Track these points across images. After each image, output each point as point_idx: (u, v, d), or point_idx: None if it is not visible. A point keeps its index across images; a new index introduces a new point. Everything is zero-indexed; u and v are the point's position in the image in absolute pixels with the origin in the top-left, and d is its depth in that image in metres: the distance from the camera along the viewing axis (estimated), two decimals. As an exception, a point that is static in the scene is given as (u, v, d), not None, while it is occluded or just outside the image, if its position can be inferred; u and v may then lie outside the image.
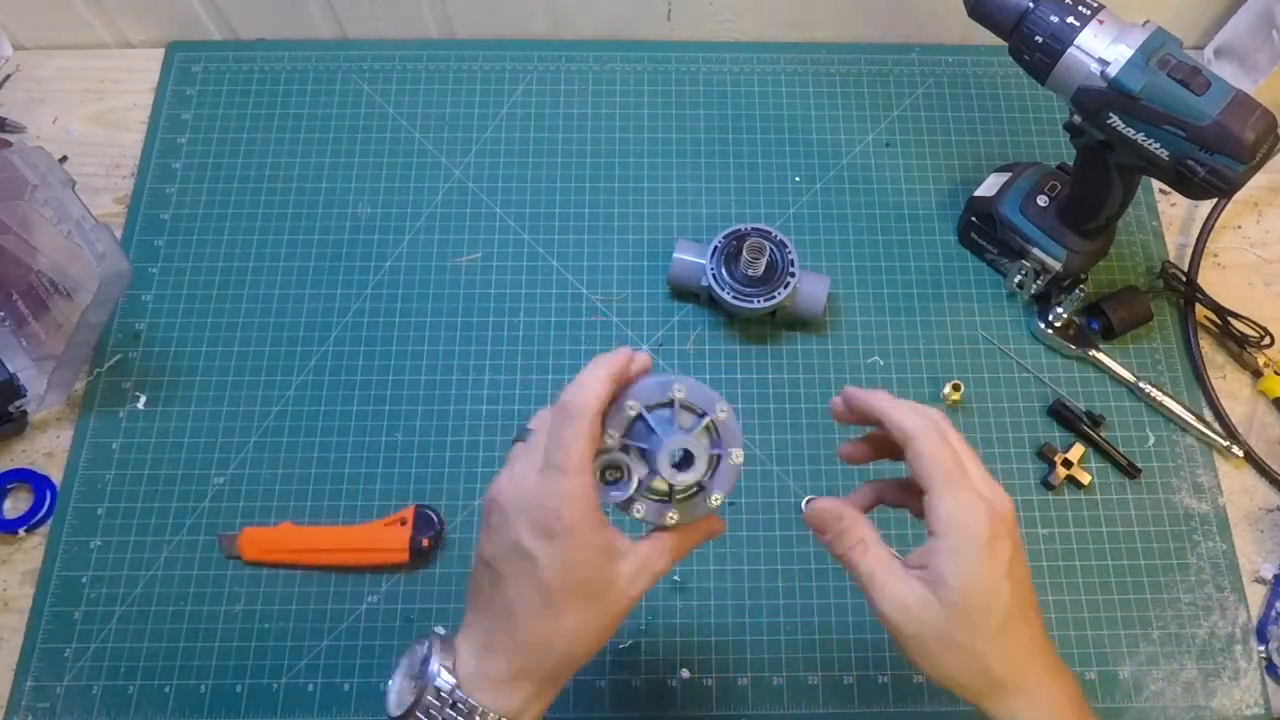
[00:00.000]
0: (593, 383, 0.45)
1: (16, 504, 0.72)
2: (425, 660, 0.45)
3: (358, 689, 0.67)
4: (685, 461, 0.46)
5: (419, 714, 0.43)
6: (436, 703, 0.43)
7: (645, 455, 0.46)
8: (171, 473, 0.72)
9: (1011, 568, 0.44)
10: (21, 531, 0.70)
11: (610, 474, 0.47)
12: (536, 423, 0.47)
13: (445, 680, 0.44)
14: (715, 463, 0.47)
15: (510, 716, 0.44)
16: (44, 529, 0.71)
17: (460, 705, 0.43)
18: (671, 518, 0.47)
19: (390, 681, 0.46)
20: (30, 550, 0.71)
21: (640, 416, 0.46)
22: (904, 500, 0.51)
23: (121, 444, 0.73)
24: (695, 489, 0.47)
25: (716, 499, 0.47)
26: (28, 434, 0.74)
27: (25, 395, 0.72)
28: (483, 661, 0.44)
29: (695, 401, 0.47)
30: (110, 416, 0.74)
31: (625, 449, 0.47)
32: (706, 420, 0.47)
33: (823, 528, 0.49)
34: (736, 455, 0.47)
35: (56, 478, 0.72)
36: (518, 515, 0.44)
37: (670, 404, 0.46)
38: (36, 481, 0.71)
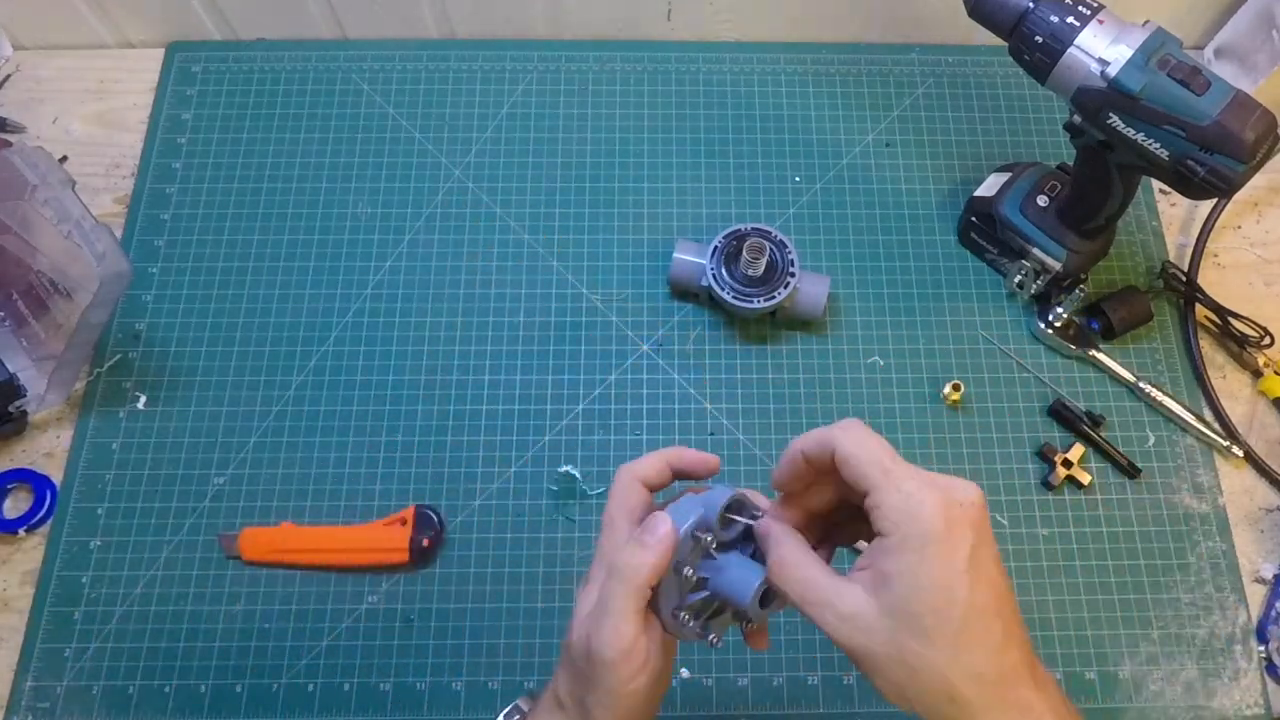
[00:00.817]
0: (647, 553, 0.43)
1: (16, 504, 0.72)
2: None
3: (358, 689, 0.67)
4: (768, 597, 0.44)
5: None
6: None
7: (707, 585, 0.46)
8: (171, 473, 0.72)
9: (974, 562, 0.37)
10: (21, 531, 0.70)
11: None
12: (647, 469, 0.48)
13: None
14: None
15: None
16: (44, 529, 0.71)
17: None
18: (713, 639, 0.47)
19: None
20: (30, 550, 0.71)
21: (697, 539, 0.45)
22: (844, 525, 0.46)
23: (121, 444, 0.73)
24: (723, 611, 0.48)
25: (757, 628, 0.48)
26: (28, 434, 0.74)
27: (25, 395, 0.72)
28: None
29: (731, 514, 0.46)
30: (110, 416, 0.74)
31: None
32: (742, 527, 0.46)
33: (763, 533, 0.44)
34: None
35: (56, 478, 0.72)
36: (587, 640, 0.44)
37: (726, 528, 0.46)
38: (36, 481, 0.71)
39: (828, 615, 0.39)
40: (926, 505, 0.38)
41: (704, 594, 0.45)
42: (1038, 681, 0.39)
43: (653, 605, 0.44)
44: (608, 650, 0.42)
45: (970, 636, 0.37)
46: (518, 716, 0.51)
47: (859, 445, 0.40)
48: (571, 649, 0.45)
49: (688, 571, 0.44)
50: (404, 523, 0.69)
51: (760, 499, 0.47)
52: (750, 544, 0.47)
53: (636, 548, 0.43)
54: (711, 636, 0.46)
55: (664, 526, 0.43)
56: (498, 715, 0.53)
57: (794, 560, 0.42)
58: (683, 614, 0.45)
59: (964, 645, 0.37)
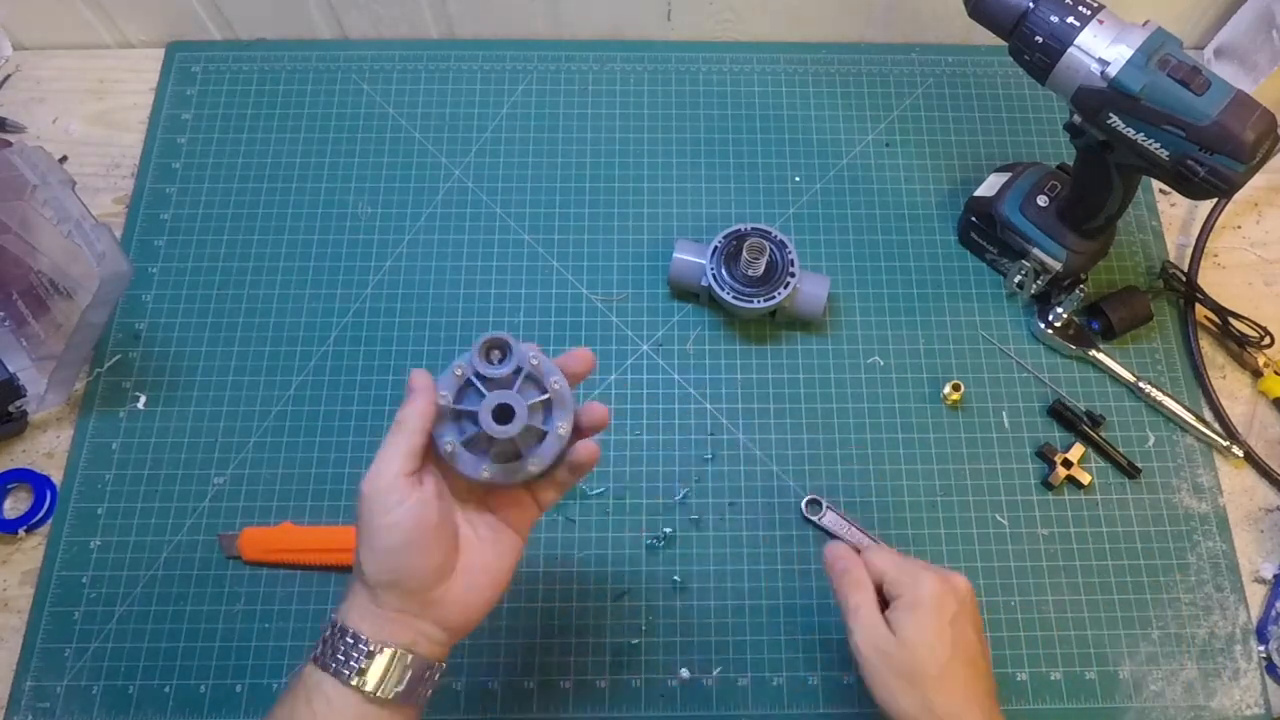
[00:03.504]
0: (410, 399, 0.49)
1: (16, 504, 0.72)
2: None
3: (358, 689, 0.67)
4: (503, 415, 0.48)
5: (321, 651, 0.48)
6: (330, 636, 0.48)
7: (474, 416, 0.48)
8: (171, 473, 0.73)
9: (956, 628, 0.54)
10: (21, 531, 0.70)
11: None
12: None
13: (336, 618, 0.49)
14: (541, 436, 0.50)
15: (377, 639, 0.48)
16: (44, 529, 0.71)
17: (342, 630, 0.48)
18: (484, 472, 0.49)
19: None
20: (30, 550, 0.71)
21: (469, 381, 0.49)
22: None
23: (121, 444, 0.73)
24: (515, 455, 0.50)
25: (533, 468, 0.50)
26: (28, 434, 0.74)
27: (25, 395, 0.72)
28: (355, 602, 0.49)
29: (539, 372, 0.50)
30: (110, 416, 0.74)
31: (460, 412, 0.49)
32: (545, 397, 0.49)
33: (833, 563, 0.60)
34: (563, 428, 0.50)
35: (56, 478, 0.72)
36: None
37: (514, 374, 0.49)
38: (36, 481, 0.71)
39: (862, 630, 0.56)
40: (924, 580, 0.56)
41: (476, 429, 0.48)
42: (988, 712, 0.53)
43: (434, 450, 0.49)
44: (365, 486, 0.47)
45: (949, 674, 0.53)
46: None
47: (882, 558, 0.58)
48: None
49: (443, 394, 0.49)
50: None
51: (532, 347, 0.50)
52: (532, 387, 0.50)
53: (405, 402, 0.49)
54: (483, 469, 0.49)
55: (419, 375, 0.49)
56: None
57: (864, 584, 0.58)
58: (447, 442, 0.49)
59: (943, 678, 0.53)
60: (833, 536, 0.71)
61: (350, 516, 0.71)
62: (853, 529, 0.71)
